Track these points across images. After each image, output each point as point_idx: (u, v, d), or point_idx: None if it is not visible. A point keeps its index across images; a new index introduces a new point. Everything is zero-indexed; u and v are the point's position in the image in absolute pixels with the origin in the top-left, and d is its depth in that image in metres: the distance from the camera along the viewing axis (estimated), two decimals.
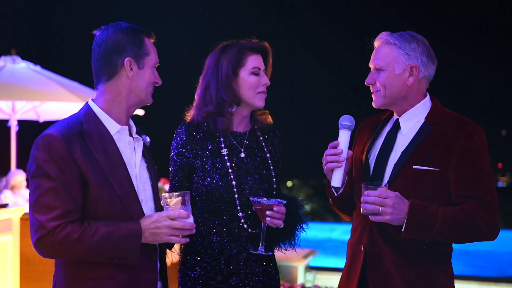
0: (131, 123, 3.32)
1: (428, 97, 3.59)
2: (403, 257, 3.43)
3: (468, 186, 3.37)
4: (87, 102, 3.25)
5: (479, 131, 3.44)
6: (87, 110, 3.19)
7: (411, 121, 3.55)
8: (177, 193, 3.18)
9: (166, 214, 3.09)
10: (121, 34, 3.18)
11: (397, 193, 3.28)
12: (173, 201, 3.16)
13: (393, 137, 3.57)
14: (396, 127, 3.58)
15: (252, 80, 3.70)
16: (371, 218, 3.31)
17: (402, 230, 3.31)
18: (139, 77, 3.19)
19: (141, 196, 3.20)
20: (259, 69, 3.73)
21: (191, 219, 3.16)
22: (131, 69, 3.17)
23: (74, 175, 2.99)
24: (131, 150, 3.24)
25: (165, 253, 3.42)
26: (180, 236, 3.13)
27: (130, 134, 3.28)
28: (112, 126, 3.18)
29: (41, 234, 2.95)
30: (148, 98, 3.26)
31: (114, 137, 3.16)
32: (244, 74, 3.70)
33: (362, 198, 3.30)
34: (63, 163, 2.97)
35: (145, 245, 3.12)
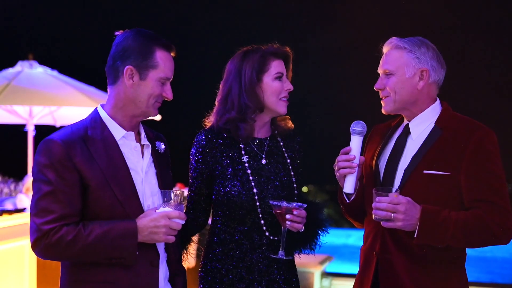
0: (141, 129, 3.32)
1: (438, 101, 3.59)
2: (415, 263, 3.42)
3: (480, 190, 3.35)
4: (97, 107, 3.28)
5: (490, 134, 3.42)
6: (94, 115, 3.23)
7: (421, 126, 3.54)
8: (180, 191, 3.15)
9: (166, 213, 3.06)
10: (131, 41, 3.17)
11: (408, 198, 3.26)
12: (178, 199, 3.12)
13: (403, 142, 3.56)
14: (406, 132, 3.58)
15: (276, 85, 3.67)
16: (383, 224, 3.30)
17: (415, 236, 3.30)
18: (139, 88, 3.16)
19: (147, 202, 3.20)
20: (282, 74, 3.70)
21: (184, 220, 3.14)
22: (132, 78, 3.15)
23: (74, 179, 3.02)
24: (138, 156, 3.24)
25: (175, 259, 3.40)
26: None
27: (139, 140, 3.29)
28: (117, 132, 3.19)
29: (36, 237, 3.01)
30: (149, 110, 3.22)
31: (118, 143, 3.18)
32: (268, 80, 3.67)
33: (373, 205, 3.28)
34: (62, 168, 3.01)
35: (145, 250, 3.13)
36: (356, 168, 3.46)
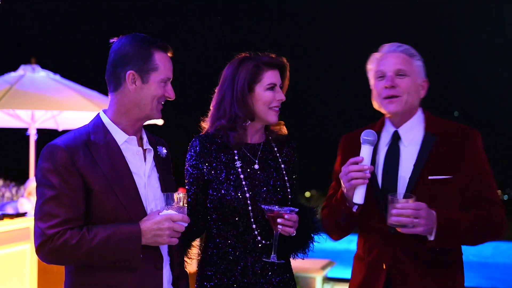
0: (143, 134, 3.34)
1: (420, 108, 3.65)
2: (425, 268, 3.46)
3: (480, 189, 3.49)
4: (99, 112, 3.30)
5: (478, 134, 3.56)
6: (96, 121, 3.25)
7: (411, 132, 3.58)
8: (182, 194, 3.16)
9: (169, 216, 3.08)
10: (129, 46, 3.20)
11: (424, 203, 3.29)
12: (180, 202, 3.13)
13: (396, 150, 3.58)
14: (396, 138, 3.59)
15: (267, 95, 3.69)
16: (401, 230, 3.30)
17: (431, 239, 3.34)
18: (143, 92, 3.19)
19: (150, 205, 3.21)
20: (275, 85, 3.71)
21: (187, 223, 3.15)
22: (134, 83, 3.18)
23: (77, 184, 3.04)
24: (140, 160, 3.26)
25: (178, 262, 3.41)
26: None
27: (141, 145, 3.30)
28: (120, 136, 3.21)
29: (41, 241, 3.02)
30: (153, 113, 3.25)
31: (121, 147, 3.20)
32: (260, 90, 3.69)
33: (394, 211, 3.26)
34: (65, 173, 3.03)
35: (150, 253, 3.14)
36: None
